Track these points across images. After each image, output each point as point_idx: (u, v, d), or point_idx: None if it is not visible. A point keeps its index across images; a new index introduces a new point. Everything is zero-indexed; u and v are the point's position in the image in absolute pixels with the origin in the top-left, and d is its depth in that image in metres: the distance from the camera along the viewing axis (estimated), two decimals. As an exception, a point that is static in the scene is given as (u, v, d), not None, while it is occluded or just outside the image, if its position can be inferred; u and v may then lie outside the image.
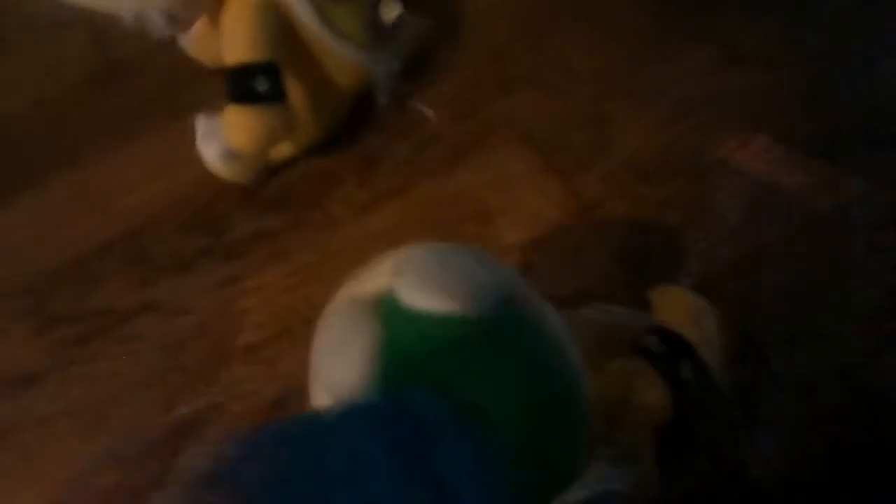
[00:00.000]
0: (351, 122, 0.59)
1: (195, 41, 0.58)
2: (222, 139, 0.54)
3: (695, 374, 0.37)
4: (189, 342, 0.53)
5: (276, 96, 0.51)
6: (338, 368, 0.29)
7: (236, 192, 0.58)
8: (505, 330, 0.30)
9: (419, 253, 0.31)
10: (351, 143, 0.59)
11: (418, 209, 0.55)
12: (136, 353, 0.53)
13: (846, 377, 0.44)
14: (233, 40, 0.51)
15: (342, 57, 0.54)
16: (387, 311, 0.30)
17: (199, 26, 0.55)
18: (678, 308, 0.41)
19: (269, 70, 0.51)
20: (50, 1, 0.52)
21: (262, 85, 0.50)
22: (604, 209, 0.53)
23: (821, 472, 0.42)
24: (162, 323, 0.54)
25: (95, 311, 0.55)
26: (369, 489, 0.24)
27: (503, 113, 0.58)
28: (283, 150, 0.57)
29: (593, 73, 0.59)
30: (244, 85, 0.50)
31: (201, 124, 0.57)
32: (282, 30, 0.52)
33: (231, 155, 0.55)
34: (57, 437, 0.51)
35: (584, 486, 0.29)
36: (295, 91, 0.54)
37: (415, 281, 0.29)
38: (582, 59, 0.60)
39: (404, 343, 0.29)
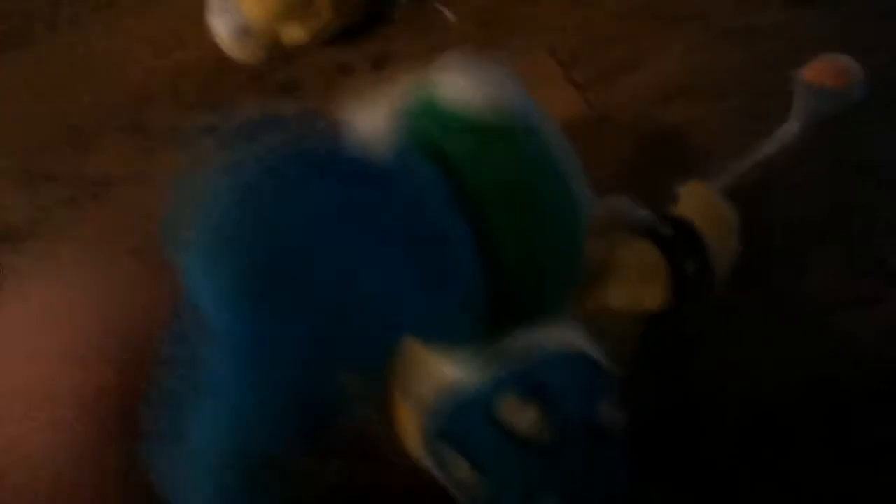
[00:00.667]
0: (369, 17, 0.57)
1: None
2: (236, 13, 0.53)
3: (697, 270, 0.37)
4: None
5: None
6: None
7: (245, 73, 0.56)
8: (529, 143, 0.31)
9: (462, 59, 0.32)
10: (367, 38, 0.57)
11: None
12: (129, 221, 0.52)
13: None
14: None
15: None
16: (417, 102, 0.31)
17: None
18: (700, 203, 0.41)
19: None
20: None
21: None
22: (617, 122, 0.52)
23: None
24: (153, 194, 0.53)
25: (90, 179, 0.54)
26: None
27: (526, 22, 0.57)
28: (297, 34, 0.55)
29: None
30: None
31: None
32: None
33: (244, 30, 0.54)
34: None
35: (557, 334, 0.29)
36: (315, -27, 0.53)
37: (454, 78, 0.30)
38: None
39: (427, 129, 0.30)
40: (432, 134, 0.30)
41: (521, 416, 0.30)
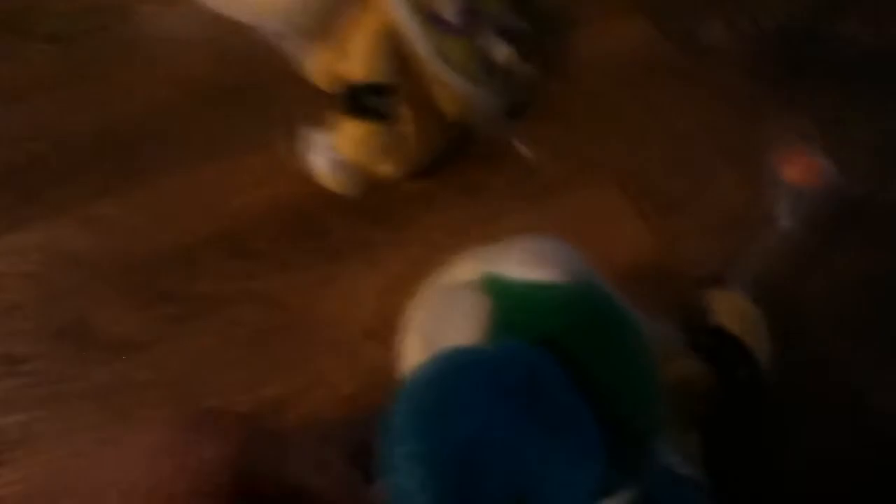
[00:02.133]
0: (452, 150, 0.63)
1: (317, 62, 0.64)
2: (333, 150, 0.59)
3: (749, 375, 0.40)
4: (281, 332, 0.57)
5: (387, 115, 0.56)
6: (451, 336, 0.33)
7: (340, 204, 0.62)
8: (595, 297, 0.34)
9: (515, 241, 0.37)
10: (451, 170, 0.63)
11: (507, 236, 0.58)
12: (231, 337, 0.57)
13: None
14: (356, 61, 0.56)
15: (452, 88, 0.59)
16: (489, 285, 0.34)
17: (323, 50, 0.61)
18: (732, 310, 0.44)
19: (385, 90, 0.56)
20: (187, 16, 0.58)
21: (377, 103, 0.55)
22: (686, 250, 0.56)
23: None
24: (258, 312, 0.58)
25: (199, 295, 0.60)
26: (489, 431, 0.27)
27: (597, 157, 0.62)
28: (388, 168, 0.61)
29: (688, 125, 0.63)
30: (362, 101, 0.56)
31: (314, 136, 0.62)
32: (400, 57, 0.57)
33: (340, 165, 0.60)
34: (151, 403, 0.55)
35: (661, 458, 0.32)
36: (406, 114, 0.59)
37: (518, 257, 0.34)
38: (679, 112, 0.64)
39: (509, 310, 0.33)
40: (520, 314, 0.33)
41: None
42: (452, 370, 0.30)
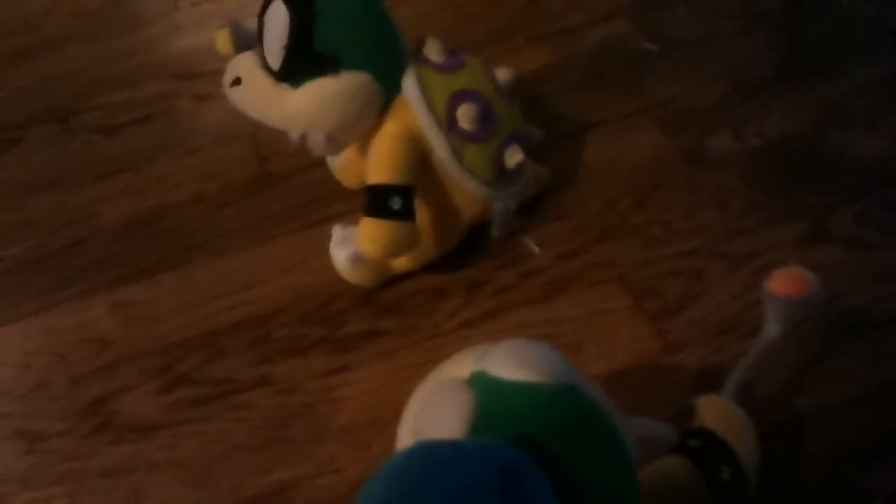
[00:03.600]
0: (465, 246, 0.66)
1: (342, 164, 0.68)
2: (353, 246, 0.62)
3: (733, 476, 0.41)
4: (294, 417, 0.59)
5: (407, 215, 0.58)
6: (436, 428, 0.35)
7: (357, 295, 0.65)
8: (575, 398, 0.36)
9: (502, 342, 0.38)
10: (463, 265, 0.66)
11: (515, 331, 0.61)
12: (246, 420, 0.59)
13: None
14: (378, 164, 0.59)
15: (468, 190, 0.62)
16: (478, 383, 0.36)
17: (348, 151, 0.65)
18: (718, 413, 0.46)
19: (404, 192, 0.58)
20: (225, 111, 0.62)
21: (396, 204, 0.58)
22: (685, 352, 0.58)
23: None
24: (274, 397, 0.60)
25: (217, 379, 0.62)
26: None
27: (603, 257, 0.65)
28: (403, 263, 0.64)
29: (690, 231, 0.66)
30: (382, 202, 0.58)
31: (337, 232, 0.65)
32: (420, 161, 0.60)
33: (359, 260, 0.63)
34: (164, 483, 0.57)
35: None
36: (422, 213, 0.62)
37: (502, 358, 0.36)
38: (682, 217, 0.67)
39: (493, 408, 0.35)
40: (502, 414, 0.35)
41: None
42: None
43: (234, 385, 0.62)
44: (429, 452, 0.32)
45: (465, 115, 0.60)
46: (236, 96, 0.59)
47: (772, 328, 0.51)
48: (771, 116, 0.74)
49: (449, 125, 0.60)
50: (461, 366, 0.39)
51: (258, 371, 0.62)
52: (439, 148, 0.60)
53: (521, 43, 0.85)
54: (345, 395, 0.60)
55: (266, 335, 0.64)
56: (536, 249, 0.66)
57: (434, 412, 0.36)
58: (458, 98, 0.60)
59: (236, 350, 0.64)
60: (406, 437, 0.38)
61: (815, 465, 0.52)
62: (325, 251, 0.66)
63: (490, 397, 0.35)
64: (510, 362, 0.36)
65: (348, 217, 0.67)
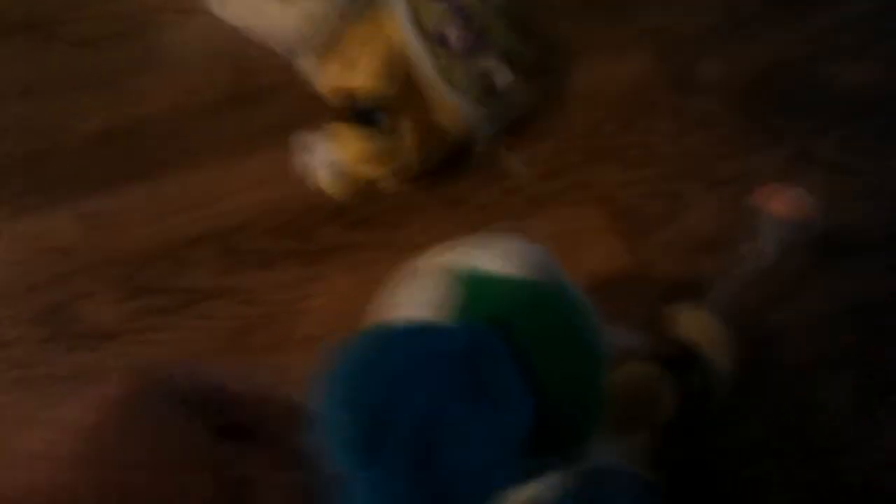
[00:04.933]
0: (446, 163, 0.63)
1: (325, 75, 0.65)
2: (331, 155, 0.60)
3: (702, 383, 0.42)
4: (256, 328, 0.57)
5: (386, 125, 0.57)
6: (412, 312, 0.34)
7: (330, 208, 0.62)
8: (556, 295, 0.35)
9: (489, 237, 0.38)
10: (443, 182, 0.63)
11: None
12: (207, 330, 0.57)
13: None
14: (362, 75, 0.57)
15: (453, 106, 0.60)
16: (461, 274, 0.35)
17: (332, 63, 0.62)
18: (698, 324, 0.46)
19: (384, 101, 0.56)
20: (205, 26, 0.60)
21: (376, 111, 0.56)
22: (658, 269, 0.57)
23: None
24: (237, 307, 0.58)
25: (180, 289, 0.60)
26: (431, 390, 0.29)
27: (583, 178, 0.63)
28: (382, 176, 0.61)
29: (673, 155, 0.64)
30: (361, 109, 0.56)
31: (315, 142, 0.62)
32: (404, 73, 0.58)
33: (336, 170, 0.60)
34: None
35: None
36: (405, 126, 0.59)
37: (489, 250, 0.36)
38: (665, 142, 0.65)
39: (474, 298, 0.34)
40: (482, 301, 0.34)
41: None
42: (391, 334, 0.32)
43: (196, 295, 0.59)
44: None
45: (455, 31, 0.58)
46: (226, 7, 0.57)
47: (767, 248, 0.50)
48: (760, 45, 0.71)
49: (437, 39, 0.58)
50: (443, 258, 0.38)
51: (222, 281, 0.60)
52: (426, 62, 0.58)
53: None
54: (311, 307, 0.57)
55: (233, 247, 0.62)
56: (519, 167, 0.63)
57: (415, 302, 0.35)
58: (447, 11, 0.58)
59: (201, 261, 0.61)
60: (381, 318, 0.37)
61: (778, 377, 0.52)
62: (302, 163, 0.63)
63: (473, 289, 0.35)
64: (498, 256, 0.36)
65: (328, 129, 0.63)
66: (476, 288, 0.35)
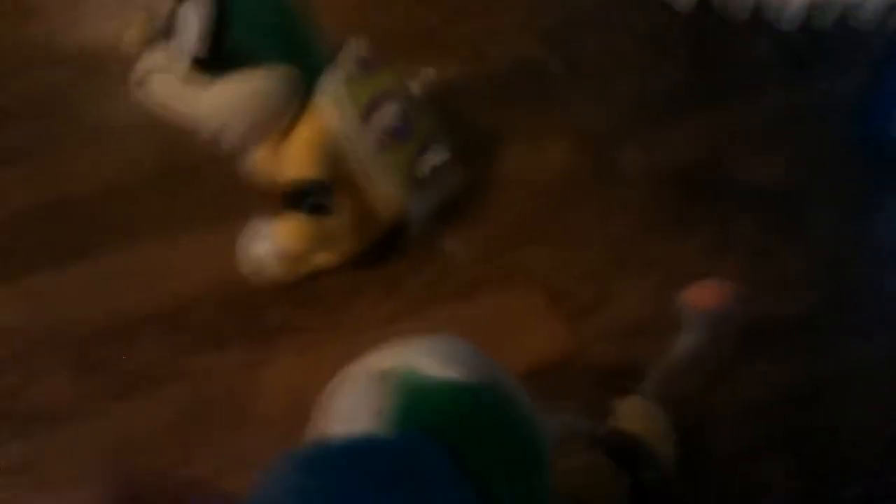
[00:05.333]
0: (385, 243, 0.68)
1: (257, 159, 0.68)
2: (271, 240, 0.64)
3: (651, 471, 0.45)
4: (211, 409, 0.60)
5: (325, 210, 0.60)
6: (351, 422, 0.36)
7: (274, 288, 0.66)
8: (496, 397, 0.37)
9: (424, 337, 0.40)
10: (381, 262, 0.68)
11: (434, 328, 0.61)
12: (160, 411, 0.60)
13: None
14: (296, 161, 0.61)
15: (383, 191, 0.64)
16: (397, 377, 0.37)
17: (264, 147, 0.65)
18: (638, 415, 0.49)
19: (322, 188, 0.60)
20: (133, 106, 0.62)
21: (316, 199, 0.60)
22: (598, 352, 0.62)
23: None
24: (190, 389, 0.61)
25: (131, 370, 0.62)
26: None
27: (518, 260, 0.68)
28: (321, 258, 0.66)
29: (600, 241, 0.70)
30: (300, 197, 0.60)
31: (254, 226, 0.66)
32: (337, 159, 0.61)
33: (278, 254, 0.64)
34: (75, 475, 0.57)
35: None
36: (341, 210, 0.63)
37: (424, 354, 0.37)
38: (593, 229, 0.71)
39: (411, 401, 0.36)
40: (419, 409, 0.36)
41: None
42: (326, 456, 0.33)
43: (150, 377, 0.62)
44: (331, 447, 0.33)
45: (383, 118, 0.61)
46: (148, 92, 0.59)
47: (689, 338, 0.56)
48: (674, 137, 0.78)
49: (367, 127, 0.61)
50: (380, 360, 0.39)
51: (175, 363, 0.62)
52: (356, 149, 0.61)
53: (434, 54, 0.86)
54: (263, 390, 0.61)
55: (183, 326, 0.64)
56: (455, 250, 0.69)
57: (348, 406, 0.37)
58: (376, 101, 0.62)
59: (152, 341, 0.64)
60: (320, 426, 0.39)
61: (719, 464, 0.56)
62: (238, 246, 0.66)
63: (406, 392, 0.36)
64: (432, 358, 0.37)
65: (263, 210, 0.66)
66: (413, 395, 0.36)
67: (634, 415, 0.49)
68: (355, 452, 0.33)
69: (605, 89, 0.82)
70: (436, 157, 0.65)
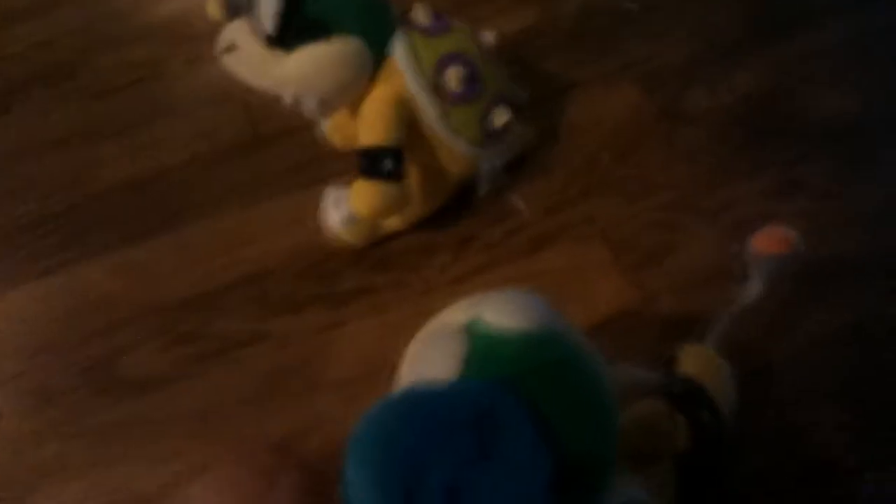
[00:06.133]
0: (453, 204, 0.68)
1: (333, 125, 0.70)
2: (346, 206, 0.64)
3: (711, 418, 0.45)
4: (290, 372, 0.61)
5: (398, 176, 0.60)
6: (430, 373, 0.37)
7: (348, 253, 0.67)
8: (560, 345, 0.38)
9: (494, 292, 0.41)
10: (451, 222, 0.68)
11: (502, 284, 0.62)
12: (242, 376, 0.62)
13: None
14: (369, 126, 0.61)
15: (455, 150, 0.64)
16: (470, 331, 0.38)
17: (339, 113, 0.66)
18: (701, 362, 0.49)
19: (395, 154, 0.60)
20: (216, 77, 0.63)
21: (388, 165, 0.60)
22: (662, 303, 0.61)
23: None
24: (270, 353, 0.63)
25: (215, 335, 0.65)
26: (452, 457, 0.31)
27: (584, 212, 0.68)
28: (393, 221, 0.66)
29: (668, 187, 0.68)
30: (374, 163, 0.60)
31: (330, 193, 0.67)
32: (409, 123, 0.62)
33: (352, 220, 0.65)
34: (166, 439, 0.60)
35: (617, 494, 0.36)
36: (412, 173, 0.64)
37: (494, 307, 0.38)
38: (660, 174, 0.69)
39: (484, 353, 0.37)
40: (494, 360, 0.37)
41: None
42: (404, 405, 0.34)
43: (232, 341, 0.64)
44: (411, 393, 0.35)
45: (453, 78, 0.61)
46: (230, 62, 0.61)
47: (757, 284, 0.54)
48: (741, 73, 0.75)
49: (437, 87, 0.61)
50: (456, 315, 0.41)
51: (255, 328, 0.64)
52: (427, 110, 0.62)
53: (506, 4, 0.85)
54: (338, 350, 0.62)
55: (261, 294, 0.66)
56: (522, 205, 0.68)
57: (429, 356, 0.38)
58: (445, 61, 0.62)
59: (234, 308, 0.66)
60: (404, 381, 0.40)
61: (777, 406, 0.55)
62: (318, 211, 0.67)
63: (482, 343, 0.38)
64: (501, 310, 0.38)
65: (340, 178, 0.68)
66: (487, 346, 0.38)
67: (697, 362, 0.49)
68: (436, 396, 0.34)
69: (672, 26, 0.80)
70: (505, 114, 0.64)
